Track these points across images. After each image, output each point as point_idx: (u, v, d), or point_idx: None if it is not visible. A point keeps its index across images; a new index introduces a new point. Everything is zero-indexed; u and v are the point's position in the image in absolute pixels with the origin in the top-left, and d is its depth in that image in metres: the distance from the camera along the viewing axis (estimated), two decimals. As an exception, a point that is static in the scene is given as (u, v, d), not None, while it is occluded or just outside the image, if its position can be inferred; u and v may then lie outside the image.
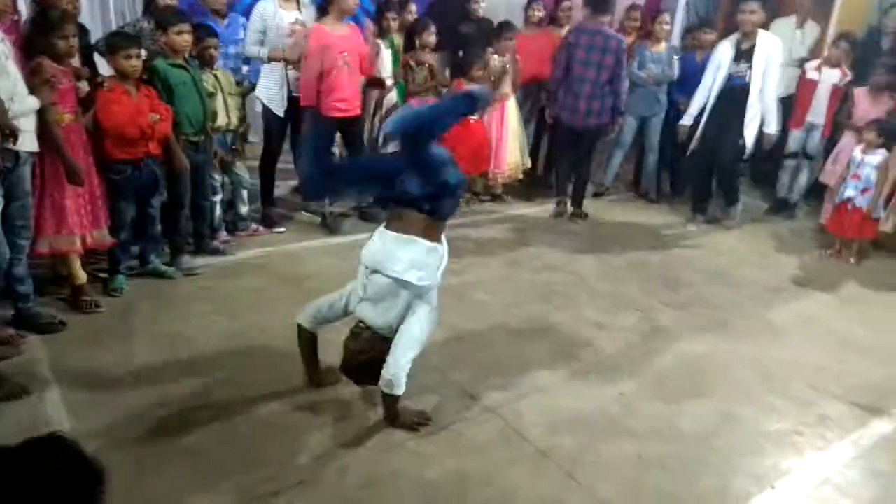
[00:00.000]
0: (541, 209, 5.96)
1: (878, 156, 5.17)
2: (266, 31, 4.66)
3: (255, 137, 5.54)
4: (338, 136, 4.97)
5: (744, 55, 5.34)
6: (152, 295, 3.86)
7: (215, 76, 4.32)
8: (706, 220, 5.86)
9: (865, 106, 5.59)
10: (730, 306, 4.27)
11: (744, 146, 5.51)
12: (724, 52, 5.42)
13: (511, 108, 5.76)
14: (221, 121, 4.32)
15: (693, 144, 5.66)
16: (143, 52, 3.76)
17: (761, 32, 5.36)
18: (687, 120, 5.71)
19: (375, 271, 2.77)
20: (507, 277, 4.52)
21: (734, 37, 5.44)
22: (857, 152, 5.25)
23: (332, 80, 4.65)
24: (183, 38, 3.92)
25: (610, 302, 4.22)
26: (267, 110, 4.76)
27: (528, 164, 6.08)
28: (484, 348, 3.56)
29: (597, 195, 6.48)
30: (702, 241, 5.49)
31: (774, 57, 5.35)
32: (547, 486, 2.59)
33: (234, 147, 4.54)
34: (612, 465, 2.74)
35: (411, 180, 2.73)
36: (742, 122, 5.40)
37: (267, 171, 4.91)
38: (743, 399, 3.26)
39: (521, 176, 6.03)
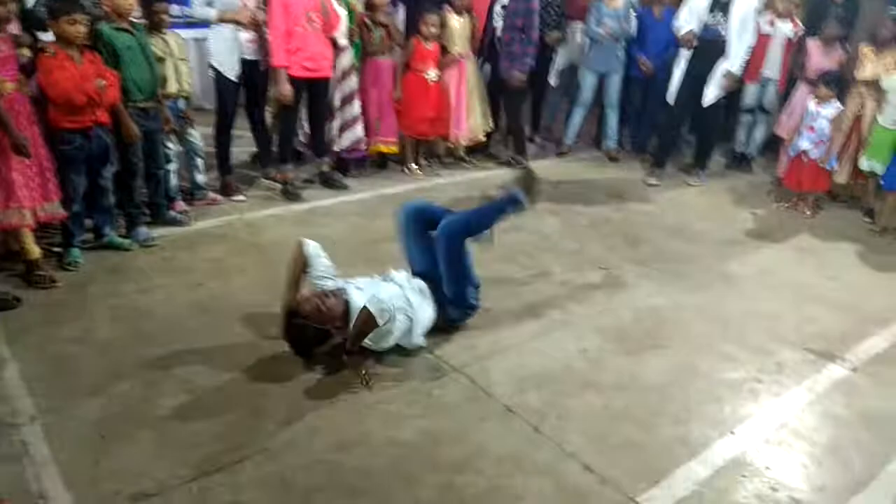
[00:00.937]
0: (504, 171, 5.95)
1: (832, 108, 5.26)
2: None
3: (208, 104, 5.39)
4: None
5: (719, 6, 5.34)
6: (110, 268, 3.77)
7: (164, 40, 4.17)
8: (667, 176, 5.92)
9: (818, 58, 5.68)
10: (689, 260, 4.36)
11: (731, 99, 5.57)
12: (699, 1, 5.39)
13: (470, 68, 5.69)
14: (172, 87, 4.19)
15: (674, 91, 5.67)
16: (87, 17, 3.60)
17: None
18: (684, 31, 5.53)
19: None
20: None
21: None
22: (811, 105, 5.33)
23: (297, 40, 4.58)
24: (128, 1, 3.77)
25: (574, 260, 4.26)
26: (219, 75, 4.62)
27: (491, 127, 6.04)
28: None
29: (560, 154, 6.51)
30: (662, 197, 5.56)
31: (750, 7, 5.36)
32: (515, 442, 2.63)
33: (184, 114, 4.41)
34: (577, 418, 2.80)
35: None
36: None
37: (222, 139, 4.79)
38: (702, 349, 3.35)
39: (482, 138, 5.99)
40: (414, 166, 5.72)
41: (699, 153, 6.05)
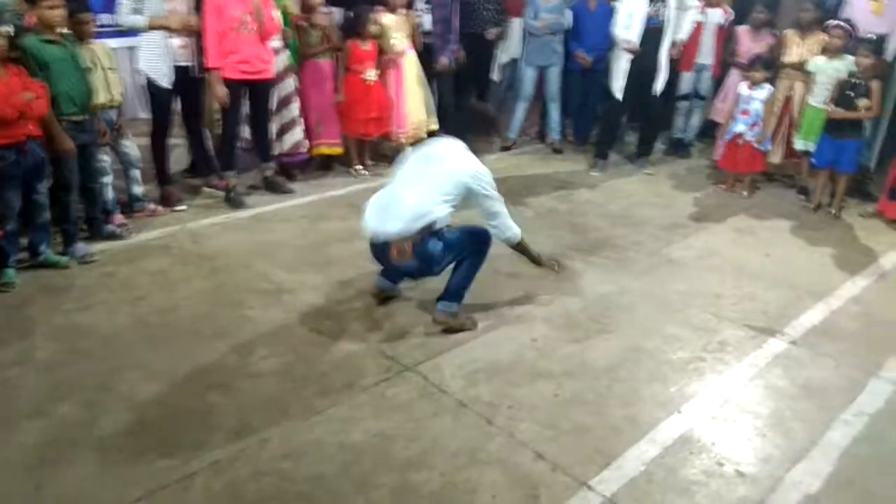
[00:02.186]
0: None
1: (764, 90, 5.43)
2: None
3: (144, 113, 5.27)
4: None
5: None
6: (47, 287, 3.65)
7: (91, 50, 4.06)
8: (609, 166, 6.02)
9: (748, 43, 5.85)
10: (633, 246, 4.44)
11: (668, 87, 5.69)
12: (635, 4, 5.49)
13: (409, 65, 5.68)
14: (103, 97, 4.07)
15: (620, 87, 5.75)
16: (10, 29, 3.48)
17: None
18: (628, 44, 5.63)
19: None
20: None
21: None
22: (744, 88, 5.49)
23: (231, 42, 4.52)
24: (55, 12, 3.65)
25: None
26: (151, 83, 4.51)
27: (434, 125, 6.03)
28: (399, 310, 3.56)
29: (504, 149, 6.56)
30: (605, 186, 5.65)
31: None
32: (468, 436, 2.65)
33: (117, 125, 4.29)
34: (529, 407, 2.83)
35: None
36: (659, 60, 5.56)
37: (158, 148, 4.68)
38: (648, 332, 3.42)
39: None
40: (359, 167, 5.69)
41: (644, 142, 6.18)
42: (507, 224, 3.38)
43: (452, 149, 3.35)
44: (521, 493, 2.38)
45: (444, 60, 5.82)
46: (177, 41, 4.47)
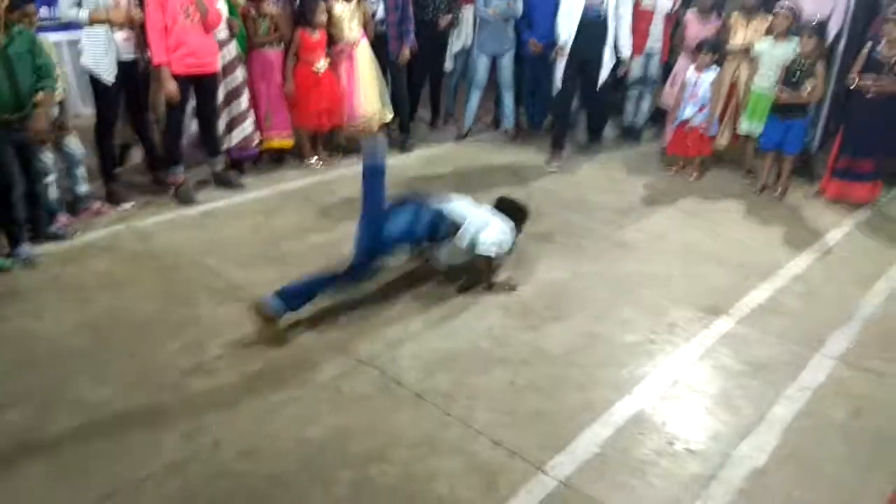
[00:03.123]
0: (407, 157, 5.96)
1: (712, 73, 5.53)
2: None
3: (88, 109, 5.11)
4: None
5: None
6: (-11, 292, 3.54)
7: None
8: (566, 157, 6.06)
9: (696, 28, 5.93)
10: (585, 231, 4.50)
11: (617, 75, 5.74)
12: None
13: (362, 55, 5.61)
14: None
15: (558, 77, 5.77)
16: None
17: None
18: (561, 41, 5.60)
19: None
20: (374, 228, 4.50)
21: None
22: (691, 73, 5.59)
23: (177, 35, 4.41)
24: None
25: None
26: (94, 79, 4.38)
27: (389, 116, 5.99)
28: (355, 303, 3.55)
29: (459, 138, 6.55)
30: (559, 173, 5.70)
31: None
32: (425, 426, 2.67)
33: (59, 123, 4.16)
34: (486, 395, 2.86)
35: None
36: (602, 53, 5.59)
37: (103, 144, 4.55)
38: (602, 316, 3.48)
39: (376, 126, 5.94)
40: (313, 159, 5.62)
41: (592, 130, 6.24)
42: (493, 243, 3.60)
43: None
44: (478, 480, 2.41)
45: (405, 51, 5.77)
46: (120, 35, 4.33)
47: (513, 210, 3.92)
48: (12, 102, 3.65)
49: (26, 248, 3.85)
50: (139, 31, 4.41)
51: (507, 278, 3.79)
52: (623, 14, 5.58)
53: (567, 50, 5.52)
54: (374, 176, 3.54)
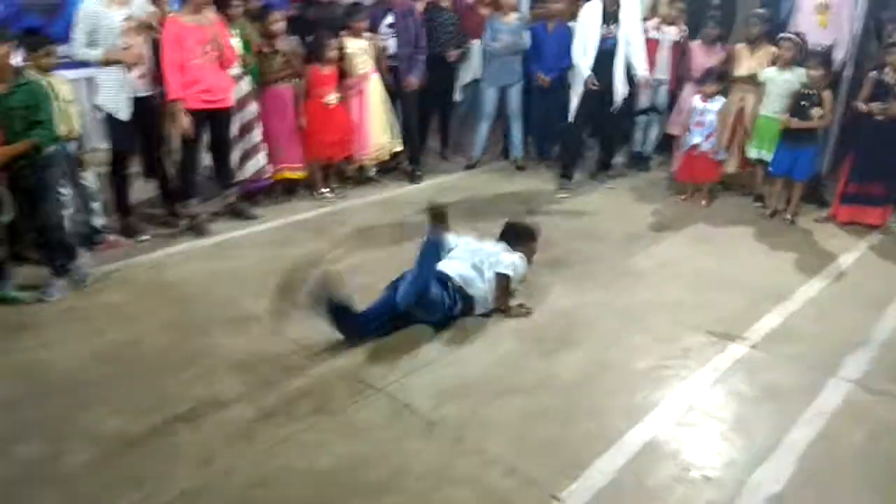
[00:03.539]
0: (417, 188, 6.02)
1: (718, 102, 5.59)
2: (96, 31, 4.34)
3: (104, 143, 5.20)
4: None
5: (611, 17, 5.58)
6: (6, 324, 3.58)
7: (49, 83, 4.01)
8: (575, 185, 6.10)
9: (701, 58, 6.01)
10: (596, 259, 4.51)
11: (627, 103, 5.81)
12: (591, 14, 5.61)
13: (372, 88, 5.71)
14: (62, 130, 4.03)
15: (573, 108, 5.85)
16: None
17: None
18: (586, 73, 5.69)
19: None
20: (387, 258, 4.52)
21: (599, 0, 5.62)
22: (698, 101, 5.64)
23: (193, 72, 4.53)
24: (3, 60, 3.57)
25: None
26: (109, 116, 4.48)
27: (398, 147, 6.07)
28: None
29: (468, 168, 6.62)
30: (568, 201, 5.73)
31: (636, 13, 5.64)
32: (437, 455, 2.65)
33: (75, 157, 4.24)
34: (497, 424, 2.84)
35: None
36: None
37: (118, 180, 4.63)
38: (613, 343, 3.47)
39: (387, 157, 6.01)
40: (324, 190, 5.69)
41: (604, 158, 6.30)
42: (509, 266, 3.72)
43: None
44: (491, 509, 2.39)
45: (412, 79, 5.88)
46: (134, 73, 4.44)
47: (521, 232, 3.96)
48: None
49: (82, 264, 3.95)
50: (154, 68, 4.52)
51: (521, 304, 3.80)
52: (633, 40, 5.65)
53: (591, 79, 5.62)
54: (431, 251, 3.51)
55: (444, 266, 3.69)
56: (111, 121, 4.50)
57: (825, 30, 5.60)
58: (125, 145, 4.59)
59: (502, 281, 3.72)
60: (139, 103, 4.51)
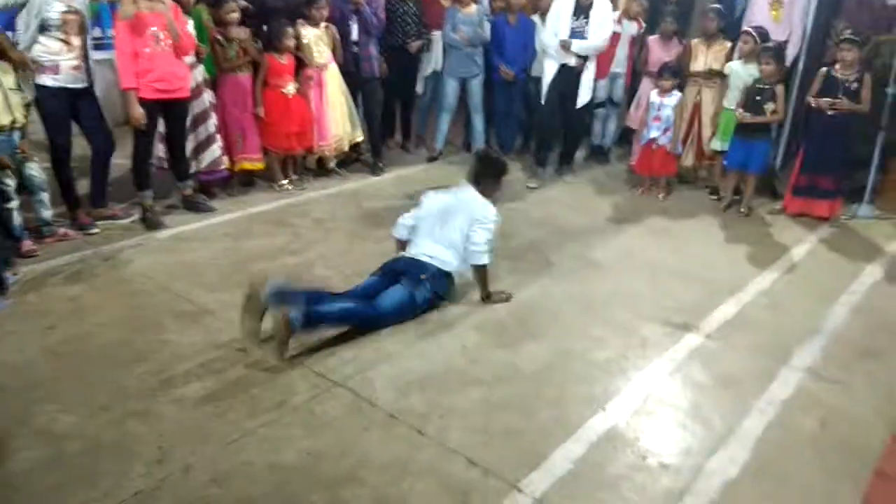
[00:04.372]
0: (379, 180, 5.98)
1: (674, 97, 5.67)
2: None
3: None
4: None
5: (583, 11, 5.60)
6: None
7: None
8: (547, 175, 6.13)
9: (658, 52, 6.09)
10: (556, 250, 4.55)
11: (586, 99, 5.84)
12: (563, 5, 5.63)
13: (331, 78, 5.65)
14: (3, 119, 3.88)
15: (543, 98, 5.88)
16: None
17: None
18: (572, 61, 5.73)
19: None
20: (347, 250, 4.50)
21: None
22: (655, 96, 5.72)
23: (147, 61, 4.40)
24: None
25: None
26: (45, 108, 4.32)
27: (359, 137, 6.02)
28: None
29: (431, 160, 6.60)
30: (530, 193, 5.77)
31: (608, 11, 5.68)
32: (399, 447, 2.64)
33: (20, 148, 4.09)
34: (460, 414, 2.85)
35: None
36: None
37: (61, 171, 4.47)
38: (573, 334, 3.51)
39: (346, 148, 5.96)
40: (283, 182, 5.61)
41: (566, 151, 6.34)
42: (486, 250, 3.70)
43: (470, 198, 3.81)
44: (452, 500, 2.39)
45: (380, 69, 5.91)
46: (68, 63, 4.28)
47: (493, 164, 3.93)
48: None
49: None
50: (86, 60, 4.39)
51: (502, 291, 3.85)
52: (602, 34, 5.69)
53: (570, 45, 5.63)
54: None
55: (416, 250, 3.71)
56: (45, 110, 4.34)
57: (779, 25, 5.74)
58: (60, 137, 4.42)
59: (481, 272, 3.74)
60: (75, 94, 4.36)
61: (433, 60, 6.57)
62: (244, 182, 5.55)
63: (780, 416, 2.93)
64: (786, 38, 5.68)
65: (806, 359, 3.37)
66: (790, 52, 5.68)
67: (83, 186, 4.71)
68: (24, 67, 4.12)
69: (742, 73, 5.41)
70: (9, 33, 4.43)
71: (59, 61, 4.24)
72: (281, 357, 3.14)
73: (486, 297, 3.79)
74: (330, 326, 3.34)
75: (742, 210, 5.41)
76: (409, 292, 3.52)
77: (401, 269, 3.64)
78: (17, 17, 4.23)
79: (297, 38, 5.34)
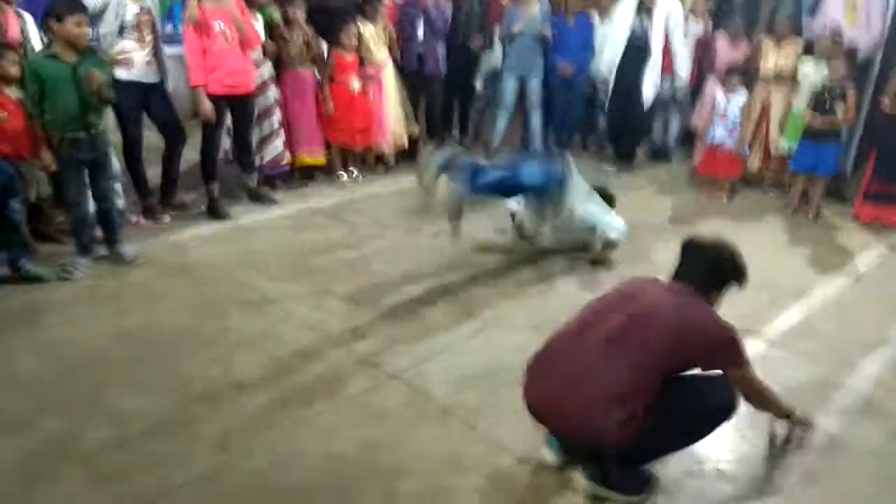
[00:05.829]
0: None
1: (741, 97, 5.53)
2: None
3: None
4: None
5: (645, 11, 5.55)
6: (29, 301, 3.63)
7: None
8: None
9: (726, 51, 5.95)
10: (615, 250, 4.48)
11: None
12: (626, 8, 5.60)
13: (388, 76, 5.73)
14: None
15: (607, 100, 5.90)
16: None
17: None
18: (605, 70, 5.91)
19: None
20: (404, 246, 4.55)
21: None
22: (720, 95, 5.58)
23: (215, 57, 4.55)
24: (82, 29, 3.64)
25: (506, 259, 4.34)
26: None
27: (415, 132, 6.09)
28: (385, 317, 3.59)
29: (487, 158, 6.59)
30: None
31: (676, 12, 5.62)
32: (451, 442, 2.67)
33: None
34: (512, 412, 2.82)
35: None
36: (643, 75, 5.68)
37: (132, 163, 4.65)
38: (630, 336, 3.45)
39: (405, 144, 6.02)
40: (344, 176, 5.71)
41: (626, 149, 6.28)
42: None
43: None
44: (503, 497, 2.40)
45: (431, 65, 5.96)
46: (141, 59, 4.43)
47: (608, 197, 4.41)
48: (81, 120, 3.75)
49: (128, 250, 4.10)
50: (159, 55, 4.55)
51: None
52: (676, 34, 5.64)
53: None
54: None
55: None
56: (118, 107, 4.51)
57: (854, 27, 5.52)
58: (134, 129, 4.60)
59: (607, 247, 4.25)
60: (145, 88, 4.52)
61: (493, 58, 6.58)
62: (304, 176, 5.67)
63: (845, 426, 2.83)
64: (858, 37, 5.46)
65: (872, 369, 3.25)
66: (864, 50, 5.46)
67: (154, 177, 4.90)
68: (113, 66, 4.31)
69: (813, 73, 5.23)
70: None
71: (132, 56, 4.42)
72: (456, 234, 3.92)
73: (602, 261, 4.26)
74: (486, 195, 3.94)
75: (810, 215, 5.23)
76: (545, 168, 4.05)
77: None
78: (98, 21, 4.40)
79: (359, 35, 5.42)
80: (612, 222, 4.22)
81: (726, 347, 2.33)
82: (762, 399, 2.46)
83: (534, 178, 4.01)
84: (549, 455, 2.52)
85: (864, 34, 5.48)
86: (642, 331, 2.27)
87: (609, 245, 4.22)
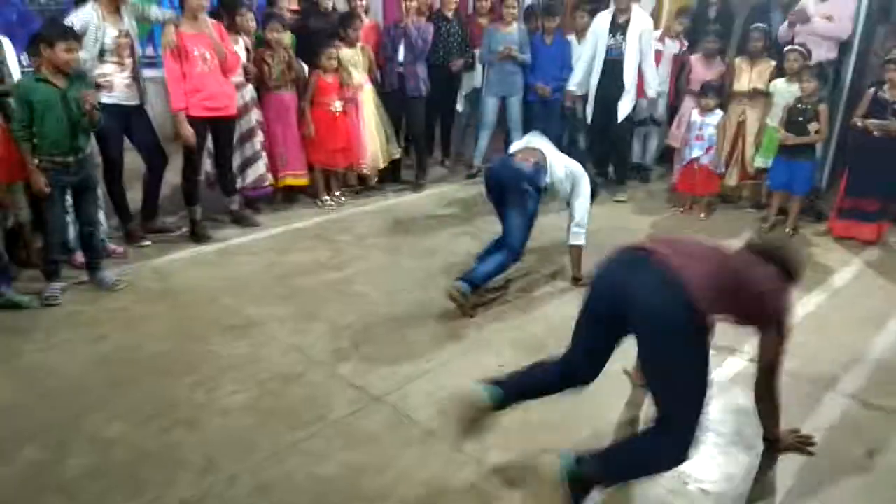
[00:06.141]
0: (418, 196, 6.05)
1: (716, 116, 5.63)
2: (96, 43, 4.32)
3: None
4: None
5: (619, 28, 5.65)
6: (8, 328, 3.60)
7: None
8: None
9: (700, 71, 6.06)
10: (594, 268, 4.52)
11: (628, 116, 5.89)
12: (601, 25, 5.71)
13: (367, 96, 5.77)
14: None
15: (588, 116, 6.00)
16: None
17: (635, 7, 5.68)
18: (573, 87, 5.99)
19: None
20: (386, 267, 4.56)
21: (610, 11, 5.73)
22: (696, 115, 5.68)
23: (195, 81, 4.57)
24: (71, 55, 3.68)
25: (491, 281, 4.34)
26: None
27: (396, 154, 6.12)
28: (368, 339, 3.59)
29: (469, 177, 6.65)
30: (565, 211, 5.73)
31: (648, 29, 5.72)
32: (437, 464, 2.67)
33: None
34: (498, 433, 2.84)
35: None
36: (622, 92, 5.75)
37: (114, 188, 4.64)
38: (615, 355, 3.47)
39: (382, 165, 6.04)
40: (326, 197, 5.72)
41: (618, 169, 6.35)
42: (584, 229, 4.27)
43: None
44: (491, 519, 2.40)
45: (411, 86, 5.99)
46: (121, 81, 4.44)
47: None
48: (69, 143, 3.77)
49: (108, 275, 4.10)
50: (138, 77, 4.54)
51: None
52: (647, 54, 5.73)
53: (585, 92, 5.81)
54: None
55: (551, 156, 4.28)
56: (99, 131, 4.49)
57: (823, 44, 5.64)
58: (114, 152, 4.58)
59: (577, 251, 4.27)
60: (127, 112, 4.52)
61: (474, 78, 6.66)
62: (287, 198, 5.67)
63: (826, 443, 2.87)
64: (834, 57, 5.60)
65: (852, 385, 3.29)
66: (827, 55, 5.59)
67: (134, 201, 4.87)
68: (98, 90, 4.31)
69: (786, 91, 5.35)
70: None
71: (113, 80, 4.41)
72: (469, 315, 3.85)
73: (577, 281, 4.25)
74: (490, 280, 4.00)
75: (787, 231, 5.32)
76: (521, 209, 4.06)
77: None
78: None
79: (337, 58, 5.46)
80: (580, 212, 4.30)
81: (781, 298, 2.56)
82: (772, 393, 2.74)
83: (520, 230, 4.12)
84: (484, 398, 2.58)
85: (834, 49, 5.61)
86: (708, 252, 2.45)
87: (578, 251, 4.31)
